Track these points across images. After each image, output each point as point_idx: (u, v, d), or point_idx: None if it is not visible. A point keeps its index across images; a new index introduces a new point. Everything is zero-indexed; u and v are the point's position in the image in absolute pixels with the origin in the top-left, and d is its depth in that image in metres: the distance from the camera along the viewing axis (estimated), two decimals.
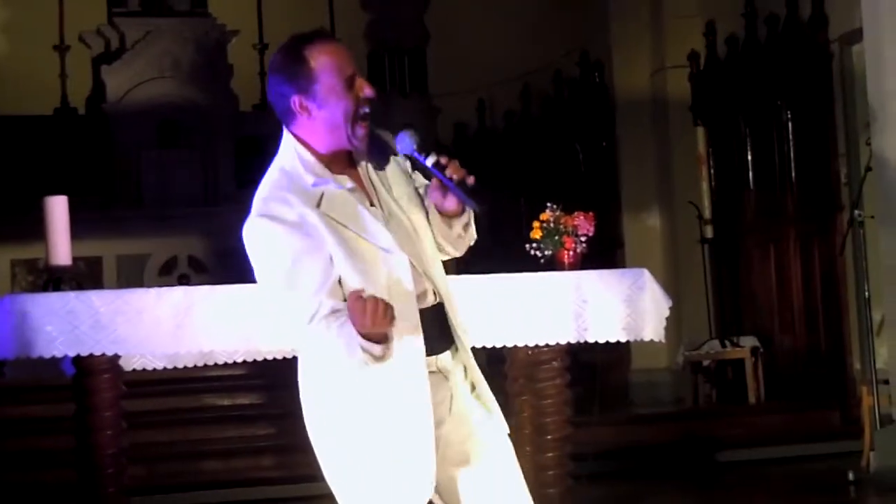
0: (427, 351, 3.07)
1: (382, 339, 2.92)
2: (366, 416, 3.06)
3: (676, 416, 8.60)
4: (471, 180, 3.03)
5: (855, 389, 7.90)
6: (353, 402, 3.06)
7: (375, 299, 2.84)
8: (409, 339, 3.04)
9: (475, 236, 3.22)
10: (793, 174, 8.73)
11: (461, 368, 3.18)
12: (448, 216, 3.12)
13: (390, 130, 3.15)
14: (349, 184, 3.09)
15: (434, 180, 3.08)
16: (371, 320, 2.84)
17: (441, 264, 3.20)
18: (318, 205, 3.04)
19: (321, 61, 3.06)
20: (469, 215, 3.14)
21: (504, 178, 11.02)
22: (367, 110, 3.08)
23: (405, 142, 3.08)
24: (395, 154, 3.15)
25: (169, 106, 11.18)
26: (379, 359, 2.94)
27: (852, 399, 7.90)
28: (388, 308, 2.85)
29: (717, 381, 9.02)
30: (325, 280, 3.02)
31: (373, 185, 3.14)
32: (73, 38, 11.51)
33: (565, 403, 5.17)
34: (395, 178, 3.17)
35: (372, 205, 3.10)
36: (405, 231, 3.12)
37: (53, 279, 5.00)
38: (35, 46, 11.62)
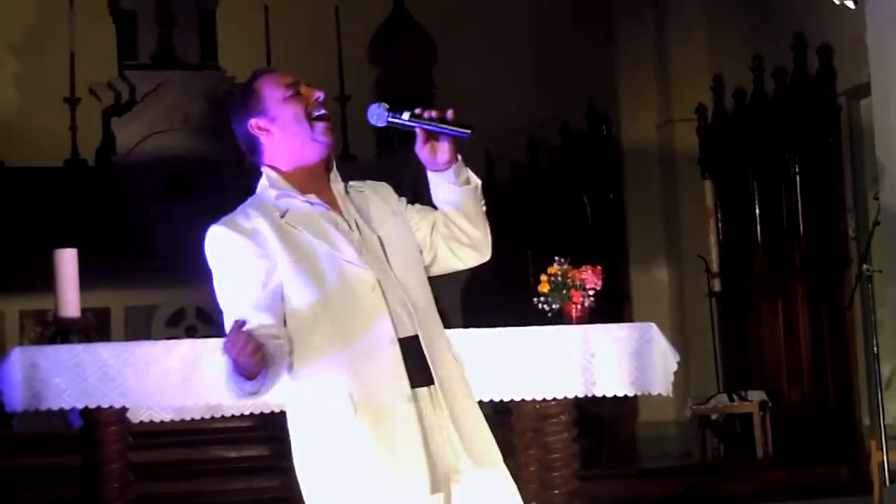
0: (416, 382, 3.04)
1: (250, 376, 2.92)
2: (352, 467, 3.01)
3: (684, 471, 8.56)
4: (450, 114, 3.08)
5: (864, 445, 7.86)
6: (339, 453, 3.02)
7: (243, 334, 2.85)
8: (387, 366, 3.02)
9: (482, 202, 3.19)
10: (801, 228, 8.74)
11: (444, 414, 3.08)
12: (442, 171, 3.12)
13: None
14: (315, 200, 3.12)
15: (419, 135, 3.09)
16: (236, 354, 2.86)
17: (426, 294, 3.17)
18: (283, 216, 3.11)
19: (263, 83, 3.19)
20: (462, 167, 3.14)
21: (511, 231, 11.03)
22: (321, 112, 3.15)
23: (375, 112, 3.11)
24: (380, 125, 3.13)
25: (178, 158, 11.22)
26: (250, 394, 2.95)
27: (861, 454, 7.86)
28: (253, 348, 2.86)
29: (725, 435, 8.99)
30: (251, 296, 3.04)
31: (350, 205, 3.16)
32: (84, 90, 11.57)
33: (573, 457, 5.16)
34: (376, 204, 3.19)
35: (343, 223, 3.12)
36: (376, 252, 3.11)
37: (62, 331, 5.02)
38: (46, 98, 11.69)
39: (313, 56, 11.84)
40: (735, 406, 8.66)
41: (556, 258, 5.31)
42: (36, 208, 10.91)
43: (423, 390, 3.06)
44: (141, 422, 4.69)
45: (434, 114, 3.08)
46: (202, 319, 10.48)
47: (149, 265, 10.72)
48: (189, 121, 11.38)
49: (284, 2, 12.05)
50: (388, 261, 3.11)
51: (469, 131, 3.08)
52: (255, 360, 2.89)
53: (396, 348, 3.04)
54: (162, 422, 4.72)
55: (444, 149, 3.10)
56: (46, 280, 5.23)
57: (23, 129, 11.71)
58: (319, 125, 3.15)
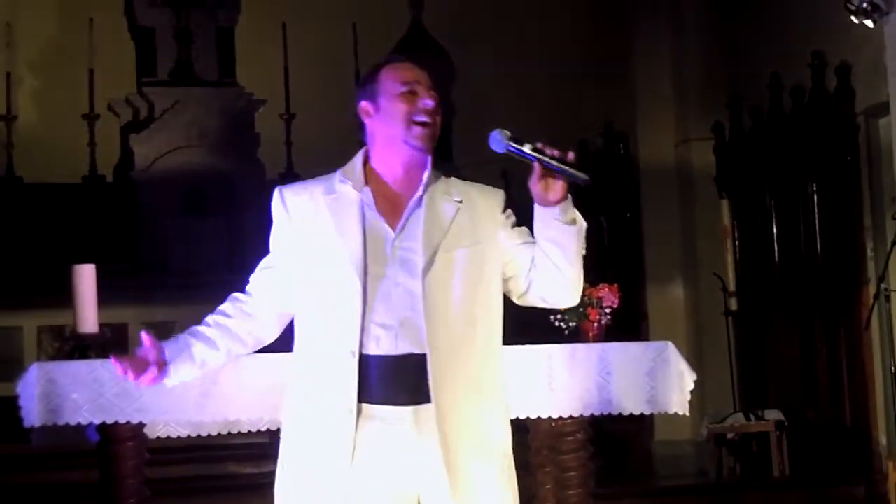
0: (382, 398, 3.09)
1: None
2: (283, 465, 3.29)
3: (700, 490, 8.54)
4: (571, 156, 3.11)
5: (881, 464, 7.84)
6: (282, 451, 3.30)
7: (127, 363, 3.26)
8: (336, 378, 3.11)
9: (583, 245, 3.24)
10: (818, 247, 8.72)
11: (433, 437, 3.10)
12: (551, 207, 3.15)
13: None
14: (369, 196, 3.18)
15: (535, 170, 3.11)
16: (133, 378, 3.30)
17: (469, 316, 3.15)
18: (329, 197, 3.23)
19: (388, 72, 3.26)
20: (570, 205, 3.19)
21: None
22: (422, 118, 3.19)
23: (497, 139, 3.13)
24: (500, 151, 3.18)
25: (196, 174, 11.26)
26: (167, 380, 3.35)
27: (878, 474, 7.83)
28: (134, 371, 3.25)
29: (742, 455, 8.95)
30: (262, 266, 3.34)
31: (419, 210, 3.19)
32: (103, 107, 11.62)
33: (588, 476, 5.15)
34: (462, 220, 3.23)
35: (384, 226, 3.17)
36: (409, 264, 3.12)
37: (80, 346, 5.04)
38: (65, 115, 11.74)
39: (331, 73, 11.88)
40: (752, 425, 8.63)
41: None
42: (54, 224, 10.95)
43: (405, 409, 3.08)
44: (158, 437, 4.70)
45: (556, 152, 3.09)
46: None
47: (166, 281, 10.75)
48: (207, 137, 11.42)
49: (302, 19, 12.08)
50: (424, 274, 3.11)
51: (588, 177, 3.10)
52: (146, 378, 3.31)
53: (353, 363, 3.08)
54: (179, 437, 4.72)
55: (557, 186, 3.13)
56: (64, 296, 5.25)
57: (42, 145, 11.76)
58: (416, 129, 3.20)
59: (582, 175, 3.10)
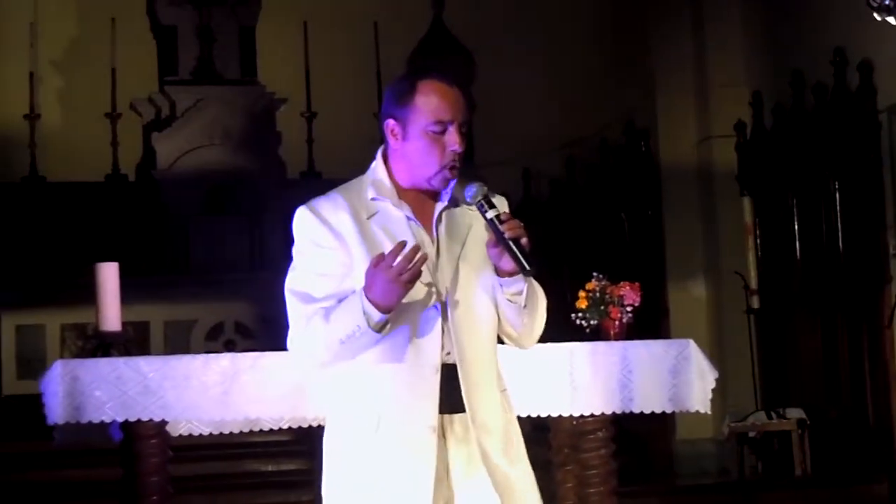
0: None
1: (386, 310, 2.99)
2: (361, 483, 3.09)
3: (722, 488, 8.54)
4: (525, 241, 3.07)
5: None
6: (354, 466, 3.10)
7: (418, 256, 2.94)
8: (422, 394, 3.07)
9: (541, 319, 3.24)
10: (840, 245, 8.69)
11: (471, 447, 3.13)
12: (504, 275, 3.13)
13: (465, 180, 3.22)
14: (408, 210, 3.14)
15: (490, 235, 3.11)
16: (397, 272, 2.92)
17: (488, 326, 3.20)
18: (370, 217, 3.14)
19: (424, 99, 3.14)
20: (524, 287, 3.15)
21: (549, 247, 11.03)
22: (450, 166, 3.15)
23: (471, 191, 3.13)
24: (464, 203, 3.17)
25: (218, 173, 11.28)
26: (377, 327, 3.00)
27: None
28: (417, 259, 2.95)
29: (763, 453, 8.94)
30: (328, 293, 3.10)
31: (444, 222, 3.19)
32: (125, 105, 11.65)
33: (610, 474, 5.15)
34: (478, 228, 3.20)
35: (427, 238, 3.16)
36: (448, 274, 3.15)
37: (103, 344, 5.06)
38: (87, 114, 11.77)
39: (352, 71, 11.90)
40: (773, 424, 8.61)
41: (595, 274, 5.31)
42: (77, 223, 10.99)
43: (453, 417, 3.11)
44: (180, 435, 4.72)
45: (508, 233, 3.06)
46: (241, 333, 10.52)
47: (188, 279, 10.78)
48: (229, 136, 11.44)
49: (324, 18, 12.10)
50: (457, 284, 3.13)
51: (529, 271, 3.08)
52: (407, 287, 2.96)
53: (437, 377, 3.08)
54: (200, 435, 4.74)
55: (508, 261, 3.10)
56: (88, 294, 5.27)
57: (64, 144, 11.80)
58: (442, 175, 3.16)
59: (523, 263, 3.08)
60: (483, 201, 3.12)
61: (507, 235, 3.06)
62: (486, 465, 3.11)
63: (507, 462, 3.16)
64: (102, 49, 11.53)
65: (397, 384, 3.08)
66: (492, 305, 3.21)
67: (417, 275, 2.98)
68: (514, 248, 3.07)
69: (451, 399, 3.11)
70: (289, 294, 3.15)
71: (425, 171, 3.15)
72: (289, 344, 3.17)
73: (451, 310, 3.12)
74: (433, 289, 3.11)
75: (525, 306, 3.19)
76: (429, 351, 3.08)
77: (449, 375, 3.11)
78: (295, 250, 3.19)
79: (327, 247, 3.13)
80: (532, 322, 3.25)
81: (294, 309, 3.14)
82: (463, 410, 3.11)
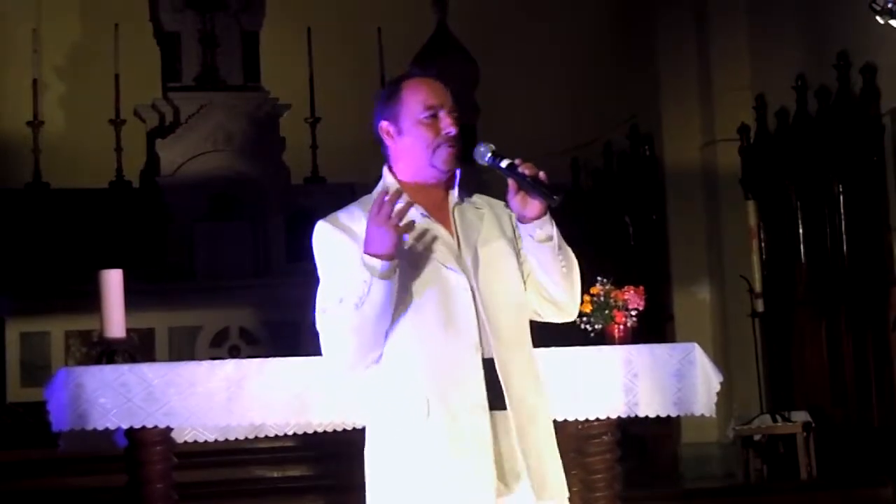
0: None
1: (386, 257, 3.04)
2: (417, 468, 3.10)
3: (727, 492, 8.52)
4: (543, 175, 3.17)
5: None
6: (406, 452, 3.11)
7: (396, 206, 3.01)
8: (468, 375, 3.09)
9: (578, 279, 3.29)
10: (844, 248, 8.69)
11: (512, 439, 3.15)
12: (531, 220, 3.19)
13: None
14: (422, 209, 3.21)
15: (511, 185, 3.19)
16: (381, 220, 2.99)
17: (516, 319, 3.23)
18: None
19: (411, 92, 3.25)
20: (553, 229, 3.25)
21: None
22: (445, 143, 3.24)
23: (480, 152, 3.24)
24: (479, 165, 3.24)
25: (222, 179, 11.27)
26: (382, 275, 3.04)
27: None
28: (398, 221, 3.01)
29: (769, 457, 8.93)
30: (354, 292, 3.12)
31: (459, 218, 3.25)
32: (129, 112, 11.66)
33: (615, 478, 5.14)
34: (490, 223, 3.28)
35: (445, 233, 3.21)
36: (473, 263, 3.20)
37: (107, 351, 5.05)
38: (91, 120, 11.79)
39: (356, 76, 11.90)
40: (778, 427, 8.61)
41: (599, 278, 5.31)
42: (81, 229, 10.99)
43: (495, 413, 3.14)
44: (185, 442, 4.71)
45: (527, 171, 3.14)
46: (245, 339, 10.52)
47: (192, 286, 10.77)
48: (232, 142, 11.44)
49: (327, 23, 12.11)
50: (478, 268, 3.18)
51: (558, 198, 3.17)
52: (396, 231, 3.02)
53: (479, 358, 3.11)
54: (206, 442, 4.73)
55: (533, 204, 3.18)
56: (92, 301, 5.26)
57: (68, 150, 11.81)
58: (441, 152, 3.23)
59: (549, 195, 3.19)
60: (494, 155, 3.22)
61: (527, 173, 3.15)
62: (525, 460, 3.18)
63: (546, 459, 3.27)
64: (106, 55, 11.54)
65: (441, 366, 3.12)
66: (518, 295, 3.24)
67: (403, 215, 3.04)
68: (534, 184, 3.16)
69: (492, 394, 3.15)
70: (320, 315, 3.18)
71: (425, 157, 3.24)
72: (325, 356, 3.20)
73: (479, 293, 3.18)
74: (460, 276, 3.16)
75: (560, 248, 3.27)
76: (466, 329, 3.13)
77: (488, 370, 3.15)
78: (319, 267, 3.23)
79: (351, 249, 3.17)
80: (571, 283, 3.30)
81: (327, 322, 3.18)
82: (503, 408, 3.15)
